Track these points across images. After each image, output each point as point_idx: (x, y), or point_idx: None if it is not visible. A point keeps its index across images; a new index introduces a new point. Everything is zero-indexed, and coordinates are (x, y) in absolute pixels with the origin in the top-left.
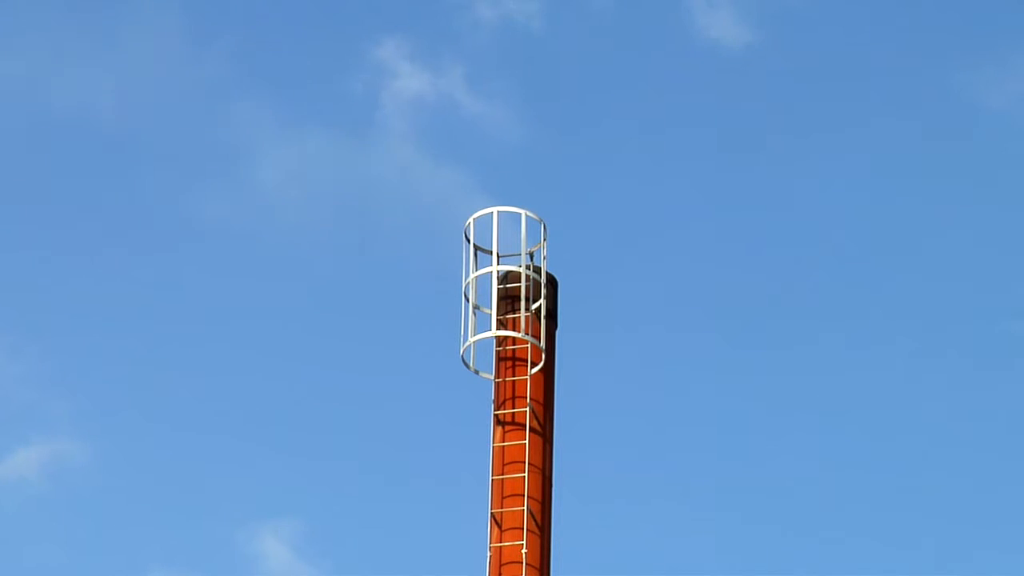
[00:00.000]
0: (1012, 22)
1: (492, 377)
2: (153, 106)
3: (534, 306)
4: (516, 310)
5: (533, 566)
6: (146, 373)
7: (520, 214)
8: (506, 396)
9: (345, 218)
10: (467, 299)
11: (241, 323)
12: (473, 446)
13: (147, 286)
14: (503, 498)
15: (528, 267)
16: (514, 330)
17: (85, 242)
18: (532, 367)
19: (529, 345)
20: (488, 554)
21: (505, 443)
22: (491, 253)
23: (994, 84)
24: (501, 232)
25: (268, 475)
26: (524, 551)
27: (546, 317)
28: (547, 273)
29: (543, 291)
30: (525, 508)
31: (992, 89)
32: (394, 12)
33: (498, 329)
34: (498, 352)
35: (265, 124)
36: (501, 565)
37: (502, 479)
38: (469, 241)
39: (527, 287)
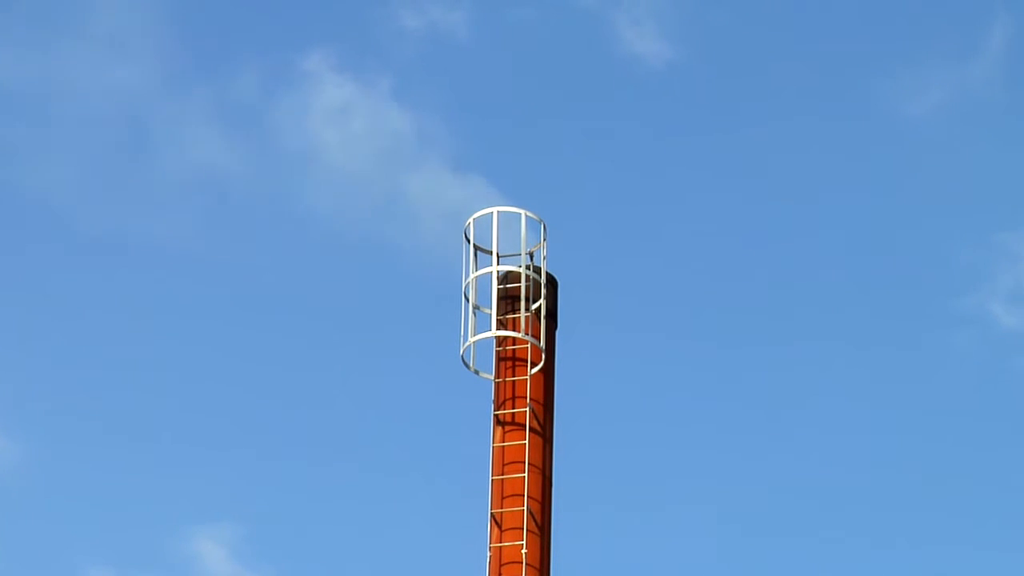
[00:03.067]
0: (930, 30)
1: (492, 377)
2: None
3: (534, 306)
4: (516, 310)
5: (533, 566)
6: (80, 370)
7: (520, 214)
8: (506, 396)
9: (308, 220)
10: (467, 299)
11: (231, 326)
12: (473, 446)
13: (80, 282)
14: (503, 498)
15: (528, 267)
16: (514, 330)
17: (10, 238)
18: (532, 367)
19: (529, 345)
20: (488, 554)
21: (505, 443)
22: (491, 253)
23: (913, 92)
24: (501, 232)
25: (263, 476)
26: (524, 551)
27: (546, 317)
28: (547, 273)
29: (543, 291)
30: (525, 508)
31: (911, 97)
32: (319, 23)
33: (498, 329)
34: (498, 352)
35: (195, 135)
36: (501, 565)
37: (502, 479)
38: (469, 241)
39: (527, 287)
